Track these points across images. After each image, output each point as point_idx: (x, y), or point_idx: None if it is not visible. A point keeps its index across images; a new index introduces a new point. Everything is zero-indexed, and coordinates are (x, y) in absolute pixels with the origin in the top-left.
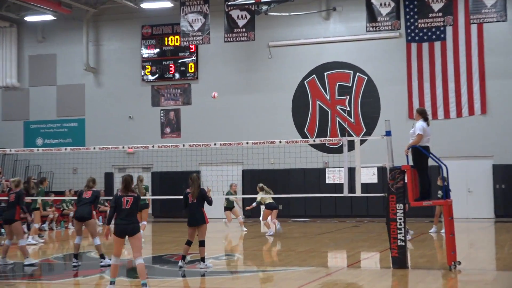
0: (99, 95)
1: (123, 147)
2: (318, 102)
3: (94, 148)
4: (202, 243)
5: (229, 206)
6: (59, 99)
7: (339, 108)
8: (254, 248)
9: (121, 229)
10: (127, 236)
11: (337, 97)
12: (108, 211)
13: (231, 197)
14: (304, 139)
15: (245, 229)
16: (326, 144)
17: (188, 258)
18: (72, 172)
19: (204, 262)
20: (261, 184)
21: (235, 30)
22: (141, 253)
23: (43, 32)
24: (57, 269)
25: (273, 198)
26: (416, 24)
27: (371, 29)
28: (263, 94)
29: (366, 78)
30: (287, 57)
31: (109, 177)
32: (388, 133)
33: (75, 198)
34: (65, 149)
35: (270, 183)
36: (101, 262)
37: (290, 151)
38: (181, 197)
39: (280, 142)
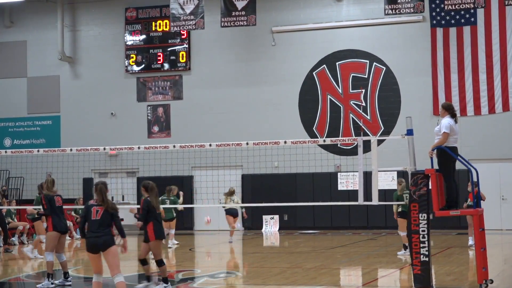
0: (77, 88)
1: (104, 149)
2: (329, 96)
3: (71, 150)
4: (162, 262)
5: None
6: (30, 93)
7: (353, 103)
8: (256, 265)
9: (92, 243)
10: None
11: (350, 91)
12: None
13: (179, 206)
14: (313, 139)
15: (176, 242)
16: (338, 145)
17: (180, 276)
18: (46, 177)
19: (167, 283)
20: (233, 188)
21: (233, 13)
22: (120, 270)
23: (11, 15)
24: None
25: (276, 207)
26: (442, 6)
27: (390, 11)
28: (266, 87)
29: (385, 68)
30: (293, 45)
31: (88, 183)
32: (409, 132)
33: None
34: (38, 151)
35: (273, 189)
36: (67, 281)
37: (296, 153)
38: (171, 206)
39: (285, 142)
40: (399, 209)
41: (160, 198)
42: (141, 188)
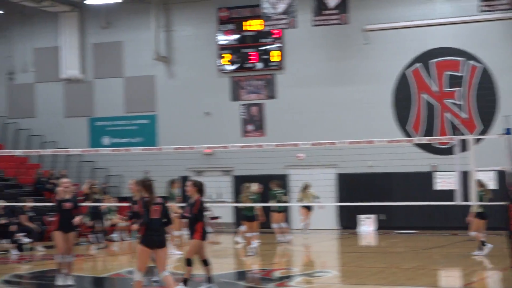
0: (172, 87)
1: (199, 148)
2: (423, 95)
3: (167, 149)
4: (191, 262)
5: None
6: (127, 92)
7: (449, 101)
8: (353, 264)
9: (154, 240)
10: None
11: (446, 89)
12: None
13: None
14: (407, 138)
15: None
16: (434, 144)
17: (277, 274)
18: (143, 175)
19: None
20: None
21: (325, 12)
22: (166, 268)
23: (108, 17)
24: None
25: (372, 206)
26: None
27: (484, 8)
28: (359, 86)
29: (481, 66)
30: (386, 43)
31: (185, 181)
32: (507, 131)
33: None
34: (135, 149)
35: (368, 188)
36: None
37: (391, 152)
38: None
39: (380, 142)
40: (479, 210)
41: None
42: (191, 187)
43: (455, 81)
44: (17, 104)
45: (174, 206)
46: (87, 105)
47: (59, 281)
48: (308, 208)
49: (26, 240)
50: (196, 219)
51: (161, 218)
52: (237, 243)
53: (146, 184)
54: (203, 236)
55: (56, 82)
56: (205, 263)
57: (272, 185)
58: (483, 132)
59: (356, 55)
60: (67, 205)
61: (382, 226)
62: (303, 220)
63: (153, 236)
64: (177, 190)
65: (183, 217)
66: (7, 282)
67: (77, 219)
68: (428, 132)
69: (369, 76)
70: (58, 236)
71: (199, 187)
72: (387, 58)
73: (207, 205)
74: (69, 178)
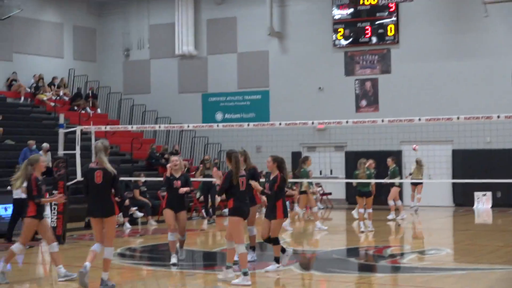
0: (285, 63)
1: (312, 123)
2: None
3: (280, 124)
4: (278, 241)
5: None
6: (240, 68)
7: None
8: (467, 242)
9: (246, 211)
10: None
11: None
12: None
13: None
14: None
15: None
16: None
17: (389, 251)
18: (255, 151)
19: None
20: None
21: None
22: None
23: None
24: None
25: (489, 183)
26: None
27: None
28: (477, 60)
29: None
30: (506, 16)
31: (296, 157)
32: None
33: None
34: (248, 125)
35: (485, 165)
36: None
37: (510, 128)
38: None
39: (498, 117)
40: None
41: (367, 172)
42: (271, 163)
43: None
44: (132, 80)
45: (254, 183)
46: (201, 81)
47: (172, 259)
48: (419, 185)
49: (139, 214)
50: (277, 197)
51: (247, 189)
52: (352, 218)
53: (230, 156)
54: (285, 214)
55: (171, 58)
56: (270, 241)
57: (390, 161)
58: None
59: (475, 28)
60: (177, 183)
61: (498, 204)
62: (414, 196)
63: (243, 206)
64: (310, 167)
65: (262, 193)
66: (121, 255)
67: (182, 189)
68: None
69: (488, 50)
70: (168, 214)
71: (280, 163)
72: (507, 32)
73: (318, 181)
74: (182, 154)
